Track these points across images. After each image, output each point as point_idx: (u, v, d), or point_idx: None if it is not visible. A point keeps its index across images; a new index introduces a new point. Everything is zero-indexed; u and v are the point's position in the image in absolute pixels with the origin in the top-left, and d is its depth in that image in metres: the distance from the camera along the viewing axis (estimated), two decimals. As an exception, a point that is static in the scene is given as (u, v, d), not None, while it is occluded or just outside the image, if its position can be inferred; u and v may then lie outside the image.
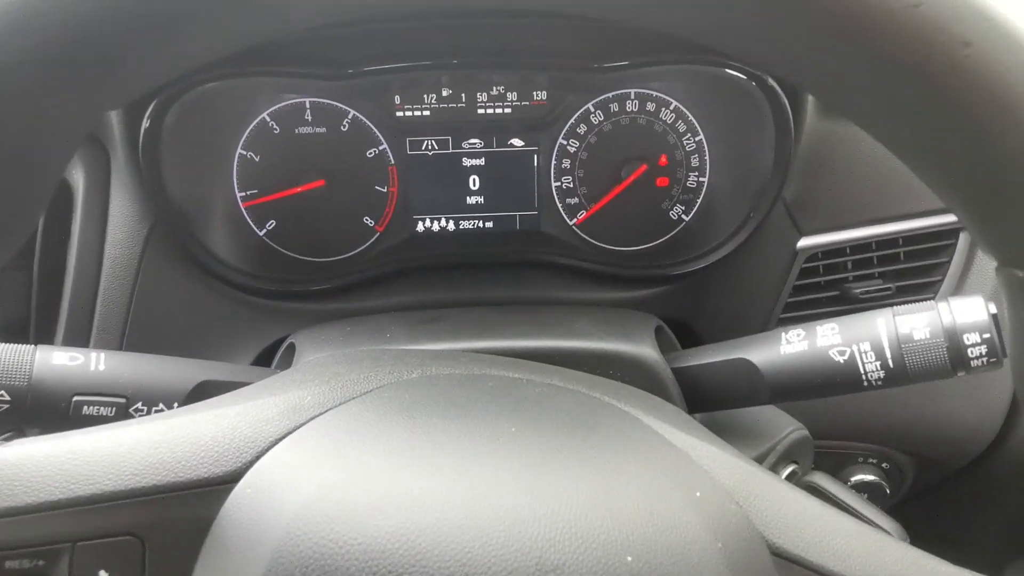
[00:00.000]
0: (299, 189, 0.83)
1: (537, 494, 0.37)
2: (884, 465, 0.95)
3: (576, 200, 0.87)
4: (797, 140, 0.79)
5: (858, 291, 0.85)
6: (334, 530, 0.35)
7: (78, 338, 0.80)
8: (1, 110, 0.33)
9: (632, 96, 0.83)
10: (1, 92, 0.32)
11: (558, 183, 0.86)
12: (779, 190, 0.81)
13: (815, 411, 0.71)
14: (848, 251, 0.86)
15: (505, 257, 0.88)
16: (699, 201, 0.87)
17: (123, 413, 0.59)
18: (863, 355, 0.57)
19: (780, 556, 0.39)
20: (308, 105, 0.81)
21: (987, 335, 0.54)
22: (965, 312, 0.55)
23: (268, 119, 0.81)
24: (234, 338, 0.84)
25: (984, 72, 0.31)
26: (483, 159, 0.85)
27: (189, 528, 0.39)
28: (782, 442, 0.68)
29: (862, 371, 0.57)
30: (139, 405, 0.60)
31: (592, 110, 0.83)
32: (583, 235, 0.88)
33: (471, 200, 0.86)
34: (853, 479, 0.94)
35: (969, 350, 0.55)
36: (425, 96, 0.82)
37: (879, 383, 0.57)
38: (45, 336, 0.83)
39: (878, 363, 0.57)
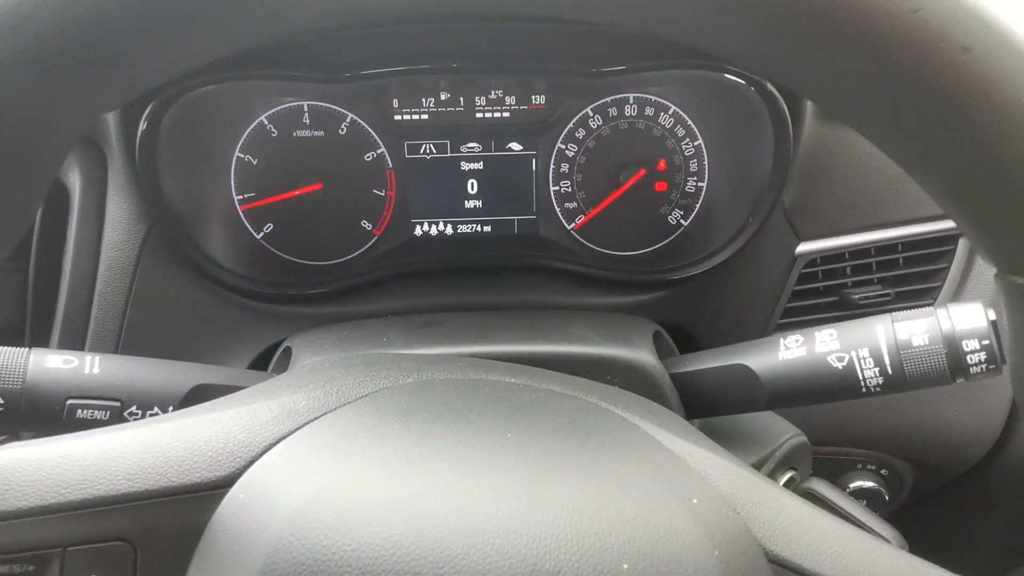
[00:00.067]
0: (297, 192, 0.83)
1: (533, 500, 0.37)
2: (883, 471, 0.94)
3: (574, 204, 0.87)
4: (796, 145, 0.79)
5: (857, 297, 0.85)
6: (328, 536, 0.35)
7: (74, 341, 0.80)
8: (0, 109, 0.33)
9: (631, 101, 0.83)
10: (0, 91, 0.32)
11: (556, 187, 0.86)
12: (778, 195, 0.81)
13: (814, 417, 0.71)
14: (847, 256, 0.86)
15: (503, 261, 0.88)
16: (698, 206, 0.86)
17: (117, 417, 0.59)
18: (862, 361, 0.57)
19: (777, 563, 0.39)
20: (306, 108, 0.81)
21: (986, 342, 0.54)
22: (964, 318, 0.55)
23: (266, 122, 0.81)
24: (230, 341, 0.84)
25: (983, 77, 0.31)
26: (481, 163, 0.85)
27: (181, 533, 0.38)
28: (780, 448, 0.68)
29: (861, 377, 0.57)
30: (133, 409, 0.59)
31: (591, 114, 0.83)
32: (581, 239, 0.88)
33: (469, 204, 0.86)
34: (852, 485, 0.94)
35: (968, 357, 0.54)
36: (423, 100, 0.82)
37: (878, 390, 0.57)
38: (41, 339, 0.83)
39: (877, 369, 0.57)
